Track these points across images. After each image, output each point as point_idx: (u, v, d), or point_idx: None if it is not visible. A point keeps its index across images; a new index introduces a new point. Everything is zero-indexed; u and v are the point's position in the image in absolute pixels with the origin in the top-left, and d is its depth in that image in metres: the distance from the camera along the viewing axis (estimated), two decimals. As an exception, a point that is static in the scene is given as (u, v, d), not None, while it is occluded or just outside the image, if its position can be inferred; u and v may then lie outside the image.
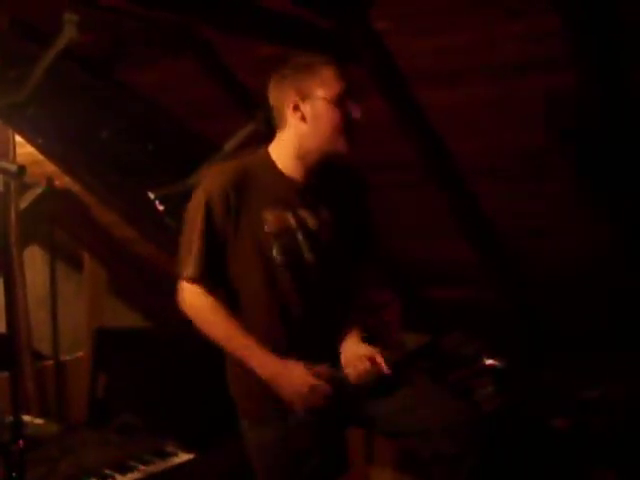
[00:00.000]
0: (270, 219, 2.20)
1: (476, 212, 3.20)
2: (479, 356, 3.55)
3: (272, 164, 2.26)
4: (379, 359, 2.20)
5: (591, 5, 2.26)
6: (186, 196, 3.38)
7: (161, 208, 3.41)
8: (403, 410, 2.25)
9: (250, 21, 2.58)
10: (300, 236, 2.23)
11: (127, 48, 3.09)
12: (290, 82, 2.19)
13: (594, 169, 2.71)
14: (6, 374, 2.25)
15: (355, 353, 2.24)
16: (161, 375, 3.59)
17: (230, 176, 2.20)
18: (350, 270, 2.37)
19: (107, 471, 2.60)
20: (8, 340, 2.40)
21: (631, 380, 3.15)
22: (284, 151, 2.25)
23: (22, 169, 2.22)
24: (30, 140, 3.43)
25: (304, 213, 2.25)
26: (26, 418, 2.81)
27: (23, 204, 3.72)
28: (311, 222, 2.25)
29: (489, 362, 3.52)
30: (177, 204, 3.42)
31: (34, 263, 4.06)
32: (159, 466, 2.68)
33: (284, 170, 2.25)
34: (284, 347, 2.22)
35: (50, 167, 3.69)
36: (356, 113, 2.18)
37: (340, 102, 2.17)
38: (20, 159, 3.45)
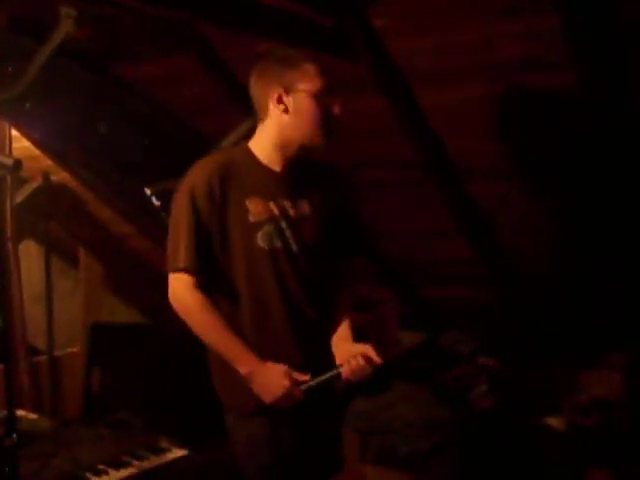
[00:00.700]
0: (253, 209, 2.23)
1: (475, 212, 3.21)
2: (474, 355, 3.55)
3: (252, 156, 2.29)
4: (371, 353, 2.22)
5: (590, 4, 2.26)
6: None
7: (157, 204, 3.40)
8: (381, 407, 2.27)
9: (249, 18, 2.58)
10: (283, 225, 2.26)
11: (125, 44, 3.08)
12: (274, 74, 2.23)
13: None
14: (1, 368, 2.24)
15: (348, 351, 2.26)
16: (156, 371, 3.59)
17: (213, 168, 2.24)
18: (331, 261, 2.39)
19: (101, 466, 2.60)
20: (3, 335, 2.39)
21: (627, 380, 3.16)
22: (264, 143, 2.29)
23: (18, 163, 2.22)
24: (27, 135, 3.42)
25: (285, 203, 2.28)
26: (20, 413, 2.81)
27: (19, 199, 3.71)
28: (292, 212, 2.28)
29: (484, 361, 3.53)
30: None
31: (30, 258, 4.04)
32: (153, 462, 2.68)
33: (264, 161, 2.29)
34: (270, 337, 2.25)
35: (46, 162, 3.69)
36: (336, 109, 2.23)
37: (321, 97, 2.21)
38: (16, 153, 3.44)
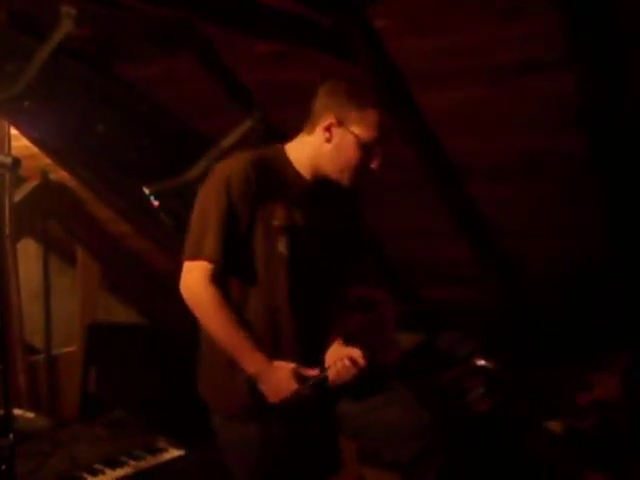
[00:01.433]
0: (280, 213, 2.21)
1: (474, 213, 3.21)
2: (472, 356, 3.55)
3: (287, 160, 2.28)
4: (357, 356, 2.22)
5: (590, 5, 2.26)
6: (181, 192, 3.40)
7: (156, 203, 3.40)
8: (368, 411, 2.28)
9: (249, 18, 2.58)
10: (306, 234, 2.25)
11: (125, 43, 3.08)
12: (336, 102, 2.20)
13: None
14: (-2, 367, 2.24)
15: (336, 353, 2.27)
16: (153, 370, 3.59)
17: (251, 163, 2.20)
18: (343, 272, 2.40)
19: (98, 466, 2.60)
20: (0, 333, 2.39)
21: (626, 381, 3.16)
22: (301, 153, 2.27)
23: (17, 162, 2.21)
24: (26, 133, 3.42)
25: (311, 212, 2.27)
26: (17, 412, 2.80)
27: (17, 197, 3.71)
28: (317, 221, 2.28)
29: (481, 363, 3.52)
30: (172, 200, 3.42)
31: (28, 256, 4.04)
32: (149, 462, 2.68)
33: (298, 167, 2.27)
34: (277, 340, 2.24)
35: (45, 161, 3.69)
36: (375, 164, 2.22)
37: (367, 147, 2.20)
38: (15, 152, 3.44)
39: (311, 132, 2.25)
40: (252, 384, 2.20)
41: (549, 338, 3.53)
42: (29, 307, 3.93)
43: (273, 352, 2.22)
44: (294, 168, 2.27)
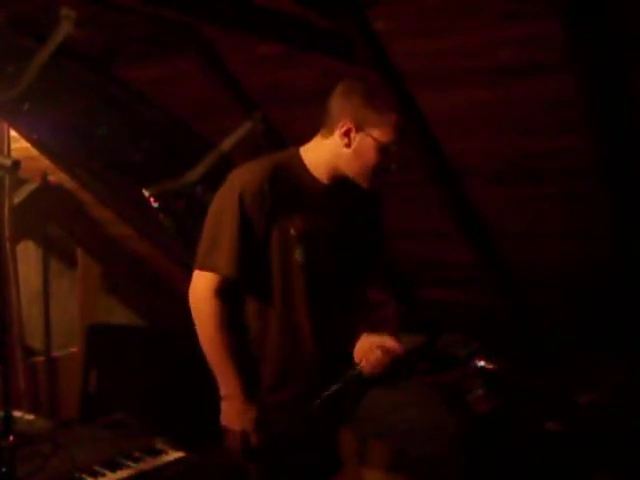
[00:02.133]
0: (297, 222, 2.19)
1: (475, 214, 3.21)
2: (472, 357, 3.55)
3: (303, 165, 2.25)
4: (390, 344, 2.21)
5: (589, 8, 2.26)
6: (181, 193, 3.40)
7: (155, 205, 3.40)
8: (388, 411, 2.26)
9: (250, 20, 2.58)
10: (324, 240, 2.23)
11: (126, 45, 3.08)
12: (354, 105, 2.17)
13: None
14: (-2, 369, 2.24)
15: (364, 346, 2.26)
16: (153, 372, 3.59)
17: (265, 173, 2.17)
18: (362, 277, 2.39)
19: (97, 468, 2.60)
20: (0, 335, 2.39)
21: (626, 382, 3.16)
22: (318, 158, 2.24)
23: (16, 164, 2.21)
24: (25, 135, 3.42)
25: (329, 217, 2.25)
26: (17, 414, 2.80)
27: (17, 199, 3.71)
28: (335, 227, 2.26)
29: (481, 364, 3.52)
30: (171, 201, 3.42)
31: (28, 258, 4.04)
32: (149, 464, 2.68)
33: (314, 172, 2.24)
34: (296, 349, 2.24)
35: (45, 162, 3.68)
36: (393, 166, 2.21)
37: (387, 150, 2.18)
38: (15, 154, 3.44)
39: (328, 136, 2.22)
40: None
41: (549, 338, 3.53)
42: (29, 309, 3.93)
43: (293, 360, 2.23)
44: (310, 173, 2.24)
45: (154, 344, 3.76)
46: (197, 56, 3.05)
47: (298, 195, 2.21)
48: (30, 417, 3.01)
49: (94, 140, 3.30)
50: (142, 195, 3.39)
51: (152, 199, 3.40)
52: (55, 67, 2.96)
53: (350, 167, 2.21)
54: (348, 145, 2.18)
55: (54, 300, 4.09)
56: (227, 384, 2.20)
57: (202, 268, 2.19)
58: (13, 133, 3.48)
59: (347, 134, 2.18)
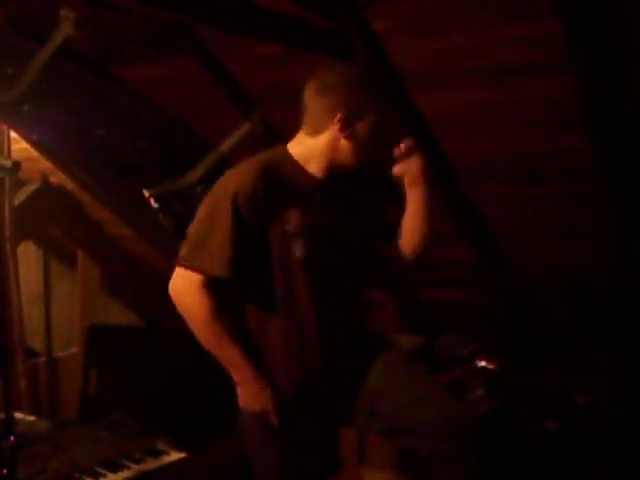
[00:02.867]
0: (292, 217, 2.18)
1: (473, 213, 3.21)
2: (472, 358, 3.55)
3: (294, 162, 2.23)
4: (407, 144, 2.23)
5: (589, 8, 2.27)
6: (180, 194, 3.40)
7: (155, 206, 3.40)
8: (402, 408, 2.25)
9: (248, 20, 2.58)
10: (323, 233, 2.22)
11: (124, 46, 3.08)
12: (342, 95, 2.14)
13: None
14: (-2, 370, 2.24)
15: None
16: (154, 373, 3.59)
17: (258, 174, 2.15)
18: (365, 269, 2.38)
19: (99, 469, 2.60)
20: (0, 336, 2.39)
21: (625, 382, 3.16)
22: (311, 153, 2.21)
23: (17, 165, 2.22)
24: (25, 136, 3.42)
25: (326, 210, 2.23)
26: (18, 415, 2.80)
27: (17, 200, 3.71)
28: (333, 220, 2.24)
29: (481, 364, 3.52)
30: (171, 202, 3.42)
31: (28, 260, 4.04)
32: (150, 464, 2.68)
33: (307, 168, 2.22)
34: (298, 348, 2.23)
35: (45, 163, 3.68)
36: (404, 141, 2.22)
37: (385, 127, 2.18)
38: (15, 155, 3.44)
39: (316, 134, 2.19)
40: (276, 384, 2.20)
41: (549, 338, 3.53)
42: (29, 310, 3.93)
43: (297, 358, 2.21)
44: (303, 169, 2.22)
45: (154, 344, 3.76)
46: (195, 56, 3.05)
47: (292, 191, 2.19)
48: (31, 418, 3.01)
49: (93, 141, 3.30)
50: (142, 195, 3.39)
51: (152, 199, 3.40)
52: (55, 68, 2.96)
53: (351, 157, 2.19)
54: (348, 136, 2.16)
55: (54, 301, 4.09)
56: (236, 369, 2.18)
57: (186, 267, 2.16)
58: (13, 134, 3.48)
59: (346, 126, 2.15)
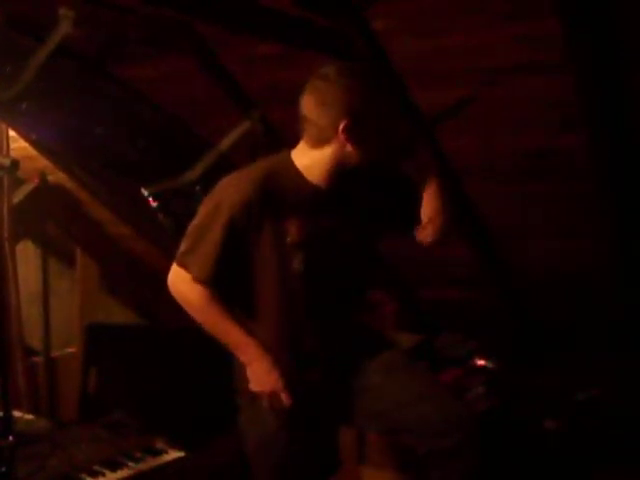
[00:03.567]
0: (292, 229, 2.17)
1: (471, 212, 3.21)
2: (471, 356, 3.55)
3: (297, 171, 2.20)
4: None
5: (589, 8, 2.27)
6: (179, 193, 3.40)
7: (154, 205, 3.40)
8: (401, 407, 2.26)
9: (248, 19, 2.58)
10: (323, 245, 2.21)
11: (123, 44, 3.08)
12: (341, 103, 2.11)
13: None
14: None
15: None
16: (153, 372, 3.59)
17: (256, 185, 2.13)
18: (366, 271, 2.39)
19: (97, 468, 2.61)
20: (-1, 335, 2.39)
21: (625, 381, 3.16)
22: (316, 164, 2.18)
23: (15, 163, 2.21)
24: (24, 135, 3.42)
25: (328, 221, 2.22)
26: (16, 414, 2.80)
27: (16, 199, 3.70)
28: (333, 227, 2.24)
29: (481, 363, 3.53)
30: (170, 201, 3.42)
31: (27, 258, 4.03)
32: (149, 463, 2.68)
33: (310, 178, 2.20)
34: (299, 357, 2.25)
35: (43, 162, 3.68)
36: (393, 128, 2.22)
37: (388, 124, 2.18)
38: (13, 154, 3.43)
39: (321, 143, 2.16)
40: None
41: (549, 338, 3.53)
42: (28, 309, 3.92)
43: (293, 363, 2.23)
44: (305, 178, 2.19)
45: (153, 343, 3.76)
46: (195, 55, 3.04)
47: (293, 202, 2.18)
48: (30, 417, 3.01)
49: (92, 139, 3.30)
50: (141, 194, 3.39)
51: (151, 198, 3.40)
52: (53, 67, 2.96)
53: (359, 160, 2.17)
54: (355, 143, 2.14)
55: (53, 300, 4.09)
56: (243, 349, 2.21)
57: (181, 266, 2.20)
58: (12, 133, 3.47)
59: (351, 133, 2.12)
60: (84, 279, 4.19)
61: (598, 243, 3.03)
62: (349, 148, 2.15)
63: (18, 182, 3.73)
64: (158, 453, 2.75)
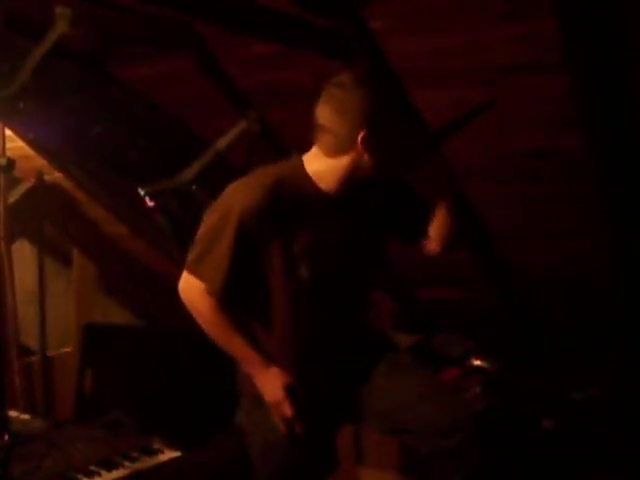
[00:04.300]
0: (301, 237, 2.17)
1: (469, 213, 3.21)
2: (468, 356, 3.55)
3: (307, 177, 2.19)
4: None
5: (589, 8, 2.27)
6: (176, 193, 3.40)
7: (151, 204, 3.40)
8: (403, 406, 2.26)
9: (246, 19, 2.57)
10: (331, 252, 2.21)
11: (120, 43, 3.08)
12: (360, 113, 2.11)
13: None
14: (-7, 369, 2.24)
15: None
16: (149, 372, 3.59)
17: (267, 191, 2.12)
18: (372, 276, 2.40)
19: (93, 467, 2.61)
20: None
21: (624, 381, 3.16)
22: (329, 173, 2.17)
23: (11, 163, 2.22)
24: (20, 134, 3.41)
25: (337, 229, 2.22)
26: (13, 413, 2.80)
27: (12, 198, 3.70)
28: (345, 237, 2.24)
29: (477, 363, 3.53)
30: (167, 200, 3.42)
31: (23, 258, 4.03)
32: (145, 463, 2.69)
33: (321, 185, 2.19)
34: (304, 363, 2.26)
35: (40, 162, 3.68)
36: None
37: (395, 131, 2.19)
38: (10, 153, 3.43)
39: (339, 154, 2.15)
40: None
41: (549, 338, 3.53)
42: (24, 308, 3.92)
43: (300, 372, 2.23)
44: (315, 185, 2.18)
45: (150, 343, 3.76)
46: (192, 55, 3.04)
47: (302, 210, 2.17)
48: (25, 417, 3.01)
49: (89, 139, 3.30)
50: (137, 194, 3.39)
51: (147, 198, 3.40)
52: (50, 66, 2.95)
53: (374, 169, 2.17)
54: (372, 154, 2.13)
55: (49, 299, 4.09)
56: (247, 362, 2.23)
57: (192, 273, 2.20)
58: (8, 132, 3.47)
59: (369, 142, 2.12)
60: (80, 279, 4.19)
61: (598, 243, 3.03)
62: (366, 158, 2.15)
63: (14, 181, 3.73)
64: (154, 453, 2.75)
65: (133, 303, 4.49)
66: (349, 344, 2.32)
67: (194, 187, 3.40)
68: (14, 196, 3.73)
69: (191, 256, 2.20)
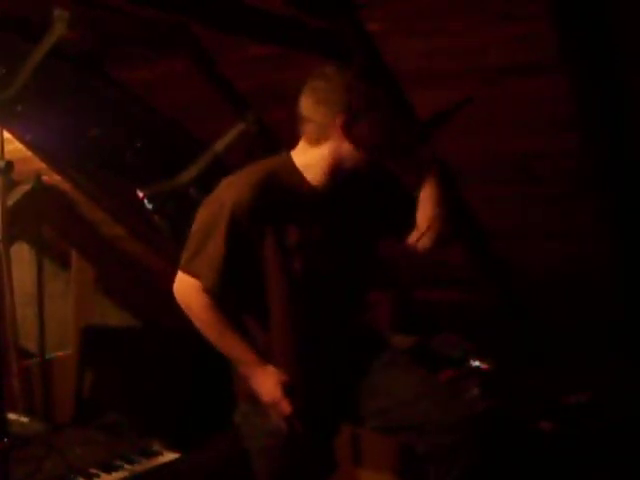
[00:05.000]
0: (292, 231, 2.18)
1: (470, 214, 3.21)
2: (466, 358, 3.55)
3: (296, 171, 2.22)
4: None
5: (585, 9, 2.27)
6: (174, 194, 3.40)
7: (149, 206, 3.40)
8: (402, 404, 2.26)
9: (242, 21, 2.58)
10: (323, 245, 2.22)
11: (118, 46, 3.08)
12: (338, 99, 2.14)
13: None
14: (-8, 371, 2.24)
15: None
16: (148, 374, 3.59)
17: (258, 186, 2.15)
18: (366, 271, 2.39)
19: (93, 470, 2.61)
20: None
21: (624, 381, 3.16)
22: (316, 163, 2.20)
23: (10, 165, 2.21)
24: (19, 137, 3.41)
25: (328, 222, 2.23)
26: (12, 416, 2.80)
27: (11, 201, 3.69)
28: (332, 229, 2.24)
29: (476, 364, 3.53)
30: (165, 202, 3.42)
31: (21, 260, 4.02)
32: (144, 465, 2.69)
33: (310, 179, 2.22)
34: (301, 360, 2.25)
35: (38, 164, 3.67)
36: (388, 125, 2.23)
37: (382, 121, 2.20)
38: (8, 155, 3.43)
39: (320, 142, 2.19)
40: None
41: (549, 338, 3.53)
42: (23, 311, 3.91)
43: (298, 370, 2.23)
44: (304, 179, 2.21)
45: (149, 345, 3.76)
46: (189, 57, 3.04)
47: (293, 203, 2.19)
48: (25, 419, 3.01)
49: (87, 141, 3.29)
50: (136, 196, 3.39)
51: (146, 200, 3.40)
52: (48, 68, 2.95)
53: (356, 159, 2.19)
54: (351, 139, 2.16)
55: (48, 302, 4.08)
56: (243, 363, 2.23)
57: (186, 272, 2.20)
58: (7, 134, 3.46)
59: (348, 129, 2.15)
60: (79, 281, 4.18)
61: (598, 243, 3.03)
62: (347, 145, 2.17)
63: (13, 184, 3.72)
64: (153, 455, 2.75)
65: (132, 304, 4.48)
66: (345, 343, 2.32)
67: (192, 189, 3.41)
68: (12, 198, 3.73)
69: (185, 255, 2.21)
